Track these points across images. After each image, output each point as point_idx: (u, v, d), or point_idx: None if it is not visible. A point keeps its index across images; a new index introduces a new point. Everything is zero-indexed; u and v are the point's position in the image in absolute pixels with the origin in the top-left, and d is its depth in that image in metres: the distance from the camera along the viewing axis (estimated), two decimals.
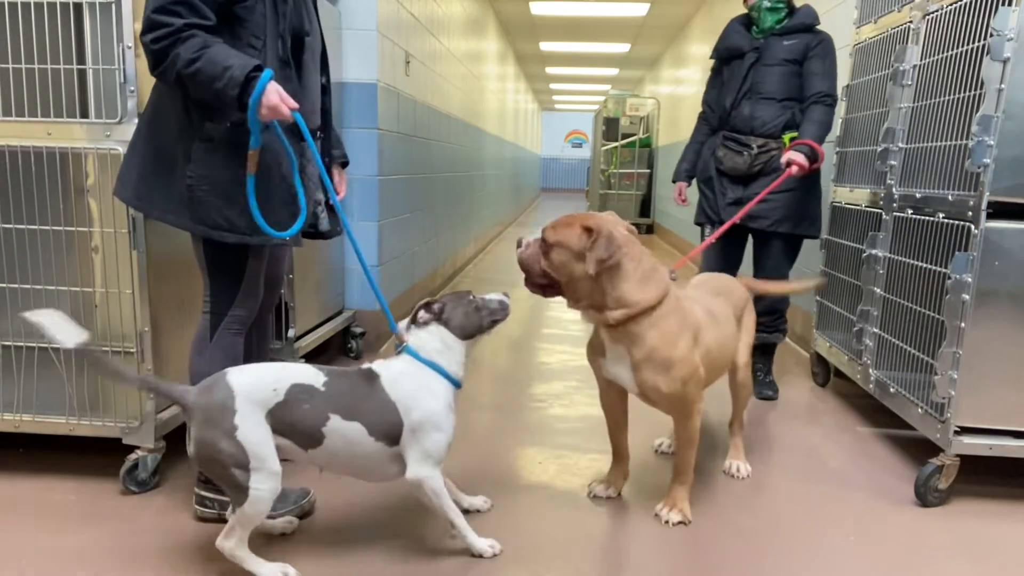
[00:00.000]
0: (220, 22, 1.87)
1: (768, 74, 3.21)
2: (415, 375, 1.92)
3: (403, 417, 1.88)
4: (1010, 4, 2.21)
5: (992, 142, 2.23)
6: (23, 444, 2.50)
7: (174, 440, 2.43)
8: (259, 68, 1.82)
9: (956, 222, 2.40)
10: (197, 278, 2.49)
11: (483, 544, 2.01)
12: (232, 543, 1.81)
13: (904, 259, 2.75)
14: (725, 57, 3.38)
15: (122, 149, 2.13)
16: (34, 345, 2.26)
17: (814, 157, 3.07)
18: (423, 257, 5.17)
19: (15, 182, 2.18)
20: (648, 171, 11.39)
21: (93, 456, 2.45)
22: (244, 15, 1.90)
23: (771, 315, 3.37)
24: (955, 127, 2.48)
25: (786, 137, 3.18)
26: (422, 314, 1.98)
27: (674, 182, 3.59)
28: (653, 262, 2.09)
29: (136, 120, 2.13)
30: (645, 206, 11.40)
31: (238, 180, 1.91)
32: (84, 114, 2.18)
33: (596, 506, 2.33)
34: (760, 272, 3.32)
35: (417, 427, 1.88)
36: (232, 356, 2.07)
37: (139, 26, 2.11)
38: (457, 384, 1.99)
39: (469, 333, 1.99)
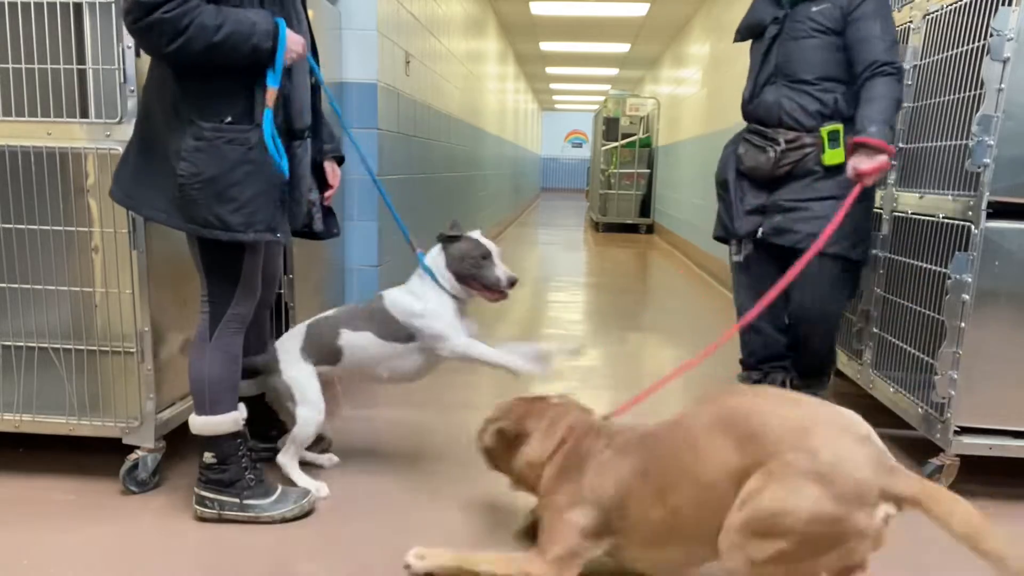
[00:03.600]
0: None
1: (795, 50, 2.55)
2: (409, 290, 2.36)
3: (403, 320, 2.30)
4: (1010, 4, 2.21)
5: (992, 142, 2.23)
6: (23, 444, 2.50)
7: (174, 440, 2.43)
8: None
9: (956, 222, 2.39)
10: (197, 278, 2.50)
11: (521, 364, 2.30)
12: (286, 458, 2.30)
13: (904, 259, 2.75)
14: (747, 36, 2.79)
15: (122, 149, 2.13)
16: (34, 345, 2.26)
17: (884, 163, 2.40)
18: None
19: (15, 182, 2.18)
20: (648, 171, 11.38)
21: (93, 456, 2.44)
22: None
23: (812, 376, 2.71)
24: (955, 127, 2.48)
25: (825, 130, 2.51)
26: (443, 232, 2.40)
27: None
28: (553, 419, 1.92)
29: (135, 120, 2.14)
30: (645, 206, 11.40)
31: (230, 178, 1.91)
32: (84, 114, 2.18)
33: None
34: (794, 308, 2.61)
35: (419, 323, 2.29)
36: (232, 356, 2.09)
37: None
38: (452, 295, 2.35)
39: (457, 274, 2.35)
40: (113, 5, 2.08)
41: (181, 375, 2.44)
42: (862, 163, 2.38)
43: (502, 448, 2.00)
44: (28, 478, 2.36)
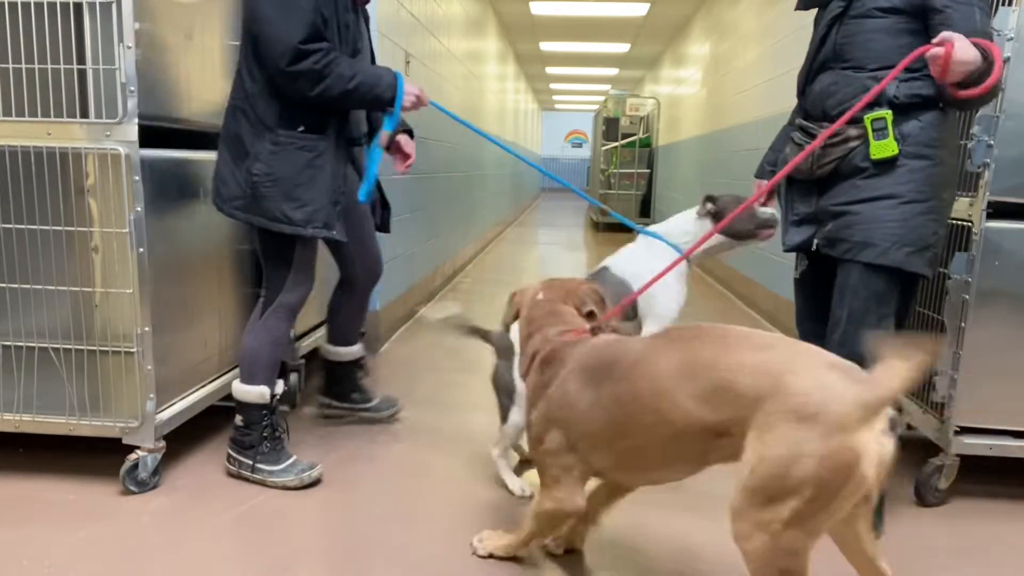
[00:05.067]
0: None
1: (856, 31, 2.10)
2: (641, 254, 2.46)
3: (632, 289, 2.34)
4: (1010, 4, 2.21)
5: (992, 142, 2.23)
6: (23, 444, 2.50)
7: (174, 440, 2.43)
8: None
9: (956, 222, 2.39)
10: (197, 278, 2.51)
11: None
12: (497, 451, 2.42)
13: None
14: (809, 5, 2.33)
15: (123, 149, 2.13)
16: (34, 345, 2.26)
17: (985, 69, 1.86)
18: (423, 257, 5.17)
19: (15, 182, 2.18)
20: (648, 171, 11.38)
21: (93, 456, 2.45)
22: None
23: None
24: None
25: (869, 118, 2.06)
26: (708, 206, 2.43)
27: (756, 177, 2.54)
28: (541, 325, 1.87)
29: (136, 120, 2.14)
30: (645, 206, 11.40)
31: (296, 179, 2.23)
32: (84, 114, 2.18)
33: None
34: (834, 326, 2.15)
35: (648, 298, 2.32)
36: (274, 338, 2.37)
37: (140, 25, 2.12)
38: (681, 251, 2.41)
39: (734, 235, 2.44)
40: (113, 5, 2.09)
41: (183, 375, 2.45)
42: (956, 40, 1.83)
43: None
44: (28, 478, 2.36)
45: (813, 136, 2.17)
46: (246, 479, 2.39)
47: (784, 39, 5.06)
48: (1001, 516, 2.35)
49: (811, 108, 2.24)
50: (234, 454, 2.41)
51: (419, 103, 2.35)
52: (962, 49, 1.83)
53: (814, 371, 1.39)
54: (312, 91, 2.17)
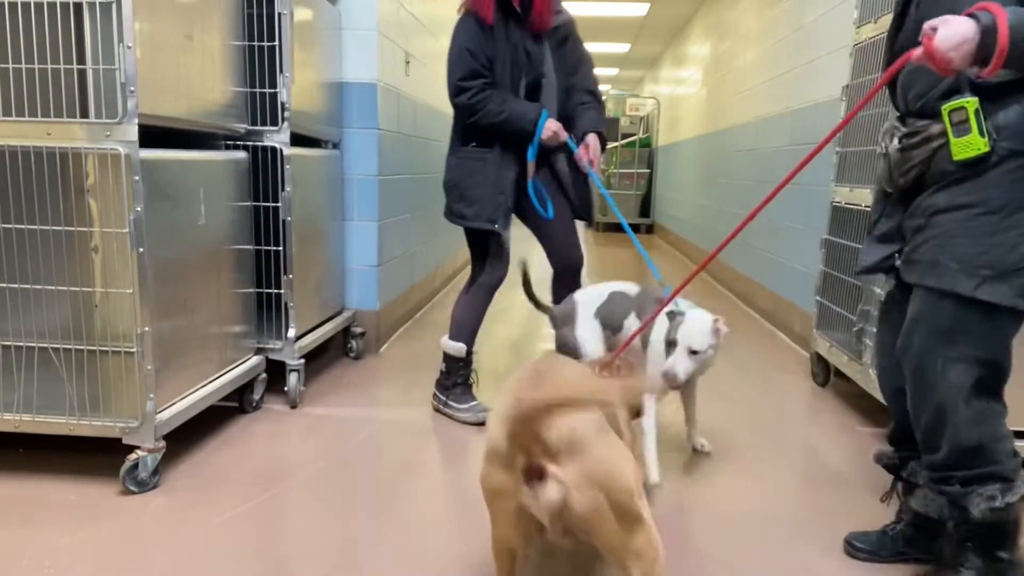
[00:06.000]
0: None
1: (933, 7, 1.67)
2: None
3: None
4: None
5: None
6: (23, 444, 2.50)
7: (174, 440, 2.43)
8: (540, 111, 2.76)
9: None
10: (197, 278, 2.51)
11: (655, 473, 2.40)
12: None
13: None
14: None
15: (122, 149, 2.13)
16: (34, 345, 2.26)
17: (987, 47, 1.49)
18: (423, 257, 5.18)
19: (15, 182, 2.18)
20: (648, 171, 11.39)
21: (93, 456, 2.45)
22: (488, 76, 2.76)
23: (946, 482, 1.78)
24: None
25: (946, 109, 1.65)
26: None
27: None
28: None
29: (136, 120, 2.14)
30: (645, 206, 11.41)
31: (466, 183, 2.83)
32: (84, 114, 2.18)
33: None
34: (901, 353, 1.83)
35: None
36: (475, 307, 3.00)
37: (140, 25, 2.13)
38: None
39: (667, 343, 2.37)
40: (113, 5, 2.09)
41: (183, 375, 2.45)
42: (939, 26, 1.50)
43: None
44: (28, 478, 2.36)
45: (896, 138, 1.81)
46: (442, 413, 3.04)
47: (784, 39, 5.06)
48: None
49: (898, 105, 1.85)
50: (437, 392, 3.08)
51: (555, 137, 2.77)
52: (945, 36, 1.49)
53: (504, 397, 1.55)
54: (468, 119, 2.76)
